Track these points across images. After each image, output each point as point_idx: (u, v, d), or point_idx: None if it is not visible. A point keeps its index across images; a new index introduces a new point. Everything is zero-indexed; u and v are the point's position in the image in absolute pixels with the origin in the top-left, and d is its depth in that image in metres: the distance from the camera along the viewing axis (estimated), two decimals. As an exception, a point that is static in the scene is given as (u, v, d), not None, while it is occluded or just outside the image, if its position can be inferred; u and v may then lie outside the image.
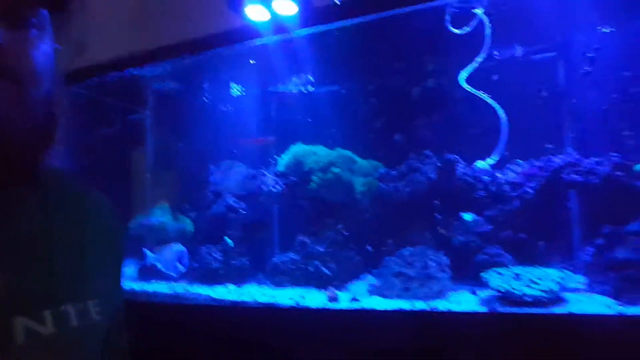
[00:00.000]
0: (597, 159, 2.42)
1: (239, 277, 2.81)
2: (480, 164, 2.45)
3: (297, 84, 3.70)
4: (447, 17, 2.46)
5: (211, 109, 3.68)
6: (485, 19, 2.38)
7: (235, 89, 3.69)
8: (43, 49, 0.68)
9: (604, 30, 2.71)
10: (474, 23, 2.38)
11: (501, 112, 2.40)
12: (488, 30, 2.39)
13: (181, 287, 2.71)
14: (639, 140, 2.48)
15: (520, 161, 2.82)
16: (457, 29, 2.40)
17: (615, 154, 2.33)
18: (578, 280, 2.31)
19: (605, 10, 2.58)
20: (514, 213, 2.55)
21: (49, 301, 0.66)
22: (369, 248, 2.57)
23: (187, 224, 3.22)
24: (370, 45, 3.16)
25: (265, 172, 3.10)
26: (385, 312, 2.14)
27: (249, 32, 2.63)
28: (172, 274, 2.47)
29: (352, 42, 3.06)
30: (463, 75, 2.48)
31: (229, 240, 2.89)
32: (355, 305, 2.25)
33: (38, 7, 0.67)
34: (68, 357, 0.68)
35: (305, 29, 2.55)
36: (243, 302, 2.46)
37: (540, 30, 2.85)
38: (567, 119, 2.79)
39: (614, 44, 2.65)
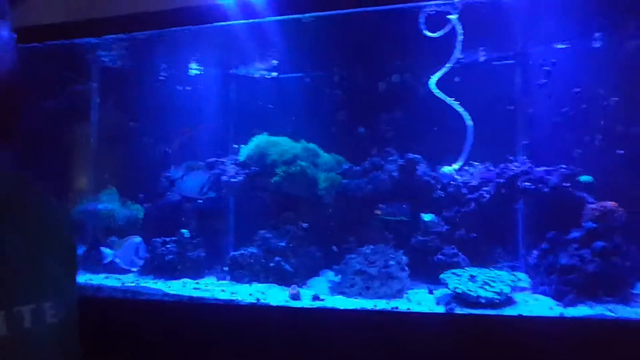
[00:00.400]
0: (547, 168, 2.58)
1: (195, 271, 2.71)
2: (447, 169, 2.52)
3: (259, 68, 3.57)
4: (422, 20, 2.46)
5: (167, 89, 3.45)
6: (458, 26, 2.41)
7: (194, 69, 3.48)
8: (3, 38, 0.67)
9: (559, 46, 2.88)
10: (447, 28, 2.40)
11: (468, 119, 2.47)
12: (460, 37, 2.43)
13: (133, 281, 2.57)
14: (585, 152, 2.69)
15: (476, 163, 2.95)
16: (430, 32, 2.42)
17: (564, 165, 2.49)
18: (524, 280, 2.50)
19: (563, 27, 2.71)
20: (470, 215, 2.68)
21: (1, 303, 0.67)
22: (334, 248, 2.57)
23: (138, 211, 3.03)
24: (339, 35, 3.09)
25: (226, 161, 2.98)
26: (348, 311, 2.18)
27: (213, 9, 2.47)
28: (132, 269, 2.34)
29: (320, 30, 2.98)
30: (434, 80, 2.52)
31: (185, 232, 2.77)
32: (317, 304, 2.26)
33: None
34: (21, 359, 0.69)
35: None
36: (201, 299, 2.38)
37: (501, 39, 2.96)
38: (522, 126, 2.95)
39: (568, 60, 2.82)
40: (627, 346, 1.80)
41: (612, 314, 1.98)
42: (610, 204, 2.25)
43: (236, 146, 3.36)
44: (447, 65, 2.51)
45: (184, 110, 3.51)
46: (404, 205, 2.73)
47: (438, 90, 2.50)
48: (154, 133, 3.46)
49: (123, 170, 3.24)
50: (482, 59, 3.08)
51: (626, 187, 2.52)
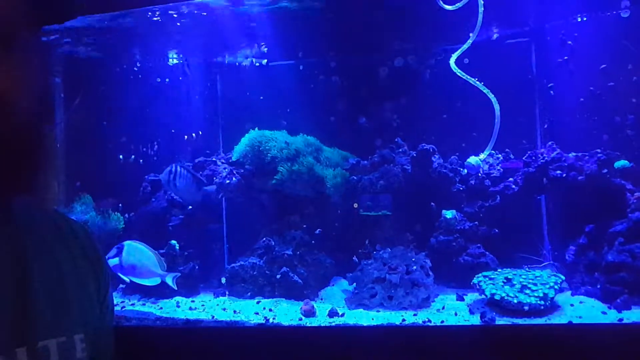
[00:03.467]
0: (576, 154, 2.34)
1: (189, 287, 2.37)
2: (473, 159, 2.25)
3: (247, 55, 3.22)
4: (437, -9, 2.17)
5: (143, 82, 3.07)
6: (478, -4, 2.13)
7: (173, 59, 3.10)
8: (26, 72, 0.63)
9: (579, 19, 2.62)
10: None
11: (495, 102, 2.19)
12: (481, 9, 2.15)
13: (117, 304, 2.21)
14: (614, 135, 2.46)
15: (493, 152, 2.68)
16: (448, 5, 2.12)
17: (599, 150, 2.25)
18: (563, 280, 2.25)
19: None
20: (496, 209, 2.42)
21: (23, 338, 0.63)
22: (355, 259, 2.26)
23: (117, 222, 2.66)
24: (334, 16, 2.77)
25: (217, 160, 2.63)
26: (373, 328, 1.88)
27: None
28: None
29: (312, 9, 2.65)
30: (454, 58, 2.23)
31: (174, 243, 2.42)
32: (336, 321, 1.96)
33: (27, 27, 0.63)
34: None
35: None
36: (199, 321, 2.05)
37: (514, 15, 2.69)
38: (543, 109, 2.70)
39: (590, 34, 2.58)
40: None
41: (676, 317, 1.75)
42: (659, 191, 2.01)
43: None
44: (468, 41, 2.22)
45: (163, 105, 3.14)
46: (385, 197, 2.43)
47: (460, 71, 2.21)
48: (130, 133, 3.08)
49: (98, 175, 2.85)
50: (494, 37, 2.81)
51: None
